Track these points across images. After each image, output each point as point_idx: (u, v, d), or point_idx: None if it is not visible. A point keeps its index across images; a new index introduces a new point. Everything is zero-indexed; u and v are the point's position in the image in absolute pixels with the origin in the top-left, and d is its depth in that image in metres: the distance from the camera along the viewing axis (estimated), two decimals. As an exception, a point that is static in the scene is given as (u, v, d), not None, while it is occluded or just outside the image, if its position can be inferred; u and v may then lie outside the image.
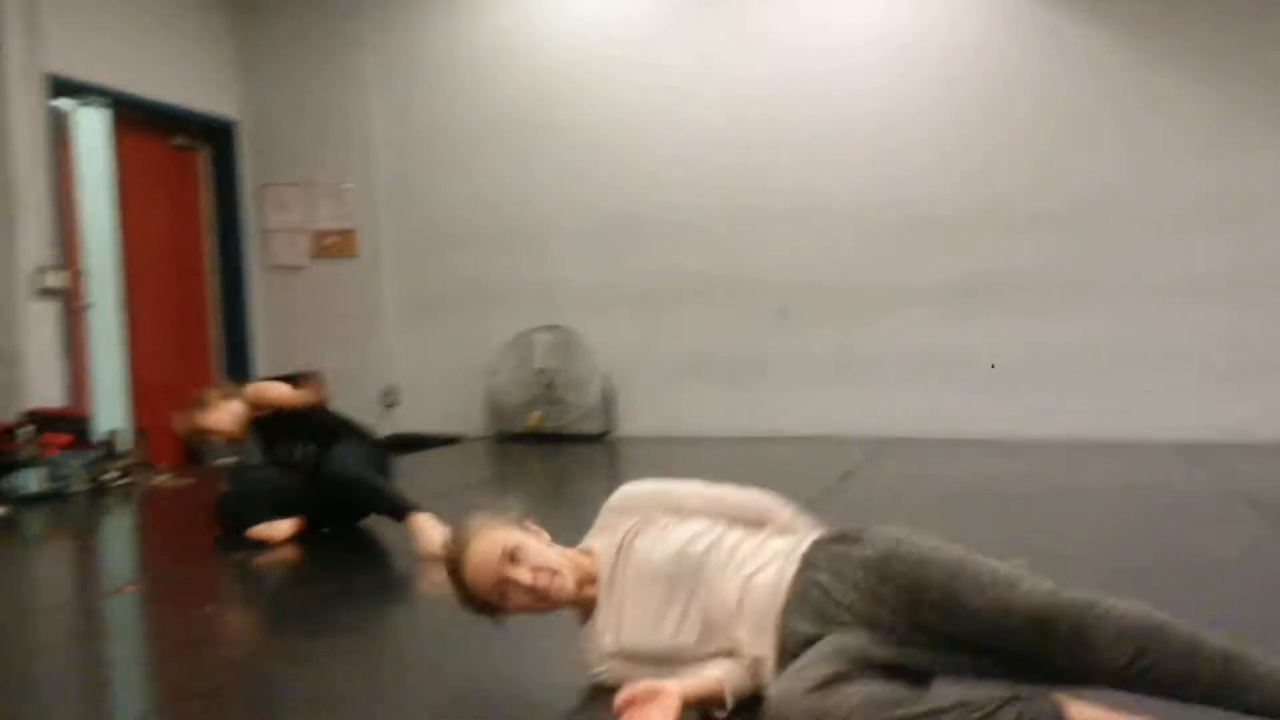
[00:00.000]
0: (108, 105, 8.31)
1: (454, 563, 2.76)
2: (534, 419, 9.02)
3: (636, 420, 9.00)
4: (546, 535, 2.87)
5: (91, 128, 8.31)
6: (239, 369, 9.39)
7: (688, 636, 2.64)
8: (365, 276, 9.49)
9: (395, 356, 9.45)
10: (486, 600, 2.73)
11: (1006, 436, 8.27)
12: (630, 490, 2.97)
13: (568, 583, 2.75)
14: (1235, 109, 8.00)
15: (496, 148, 9.23)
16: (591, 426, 8.97)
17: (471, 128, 9.29)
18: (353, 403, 9.22)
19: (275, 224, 9.61)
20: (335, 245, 9.53)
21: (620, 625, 2.74)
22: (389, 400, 9.38)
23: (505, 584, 2.71)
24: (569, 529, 3.03)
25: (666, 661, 2.65)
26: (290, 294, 9.58)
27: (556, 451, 8.41)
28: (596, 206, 9.07)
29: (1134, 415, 8.12)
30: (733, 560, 2.68)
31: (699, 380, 8.91)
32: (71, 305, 7.83)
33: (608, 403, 9.02)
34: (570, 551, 2.85)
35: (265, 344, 9.59)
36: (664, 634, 2.67)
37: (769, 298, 8.81)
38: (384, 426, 9.21)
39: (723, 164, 8.83)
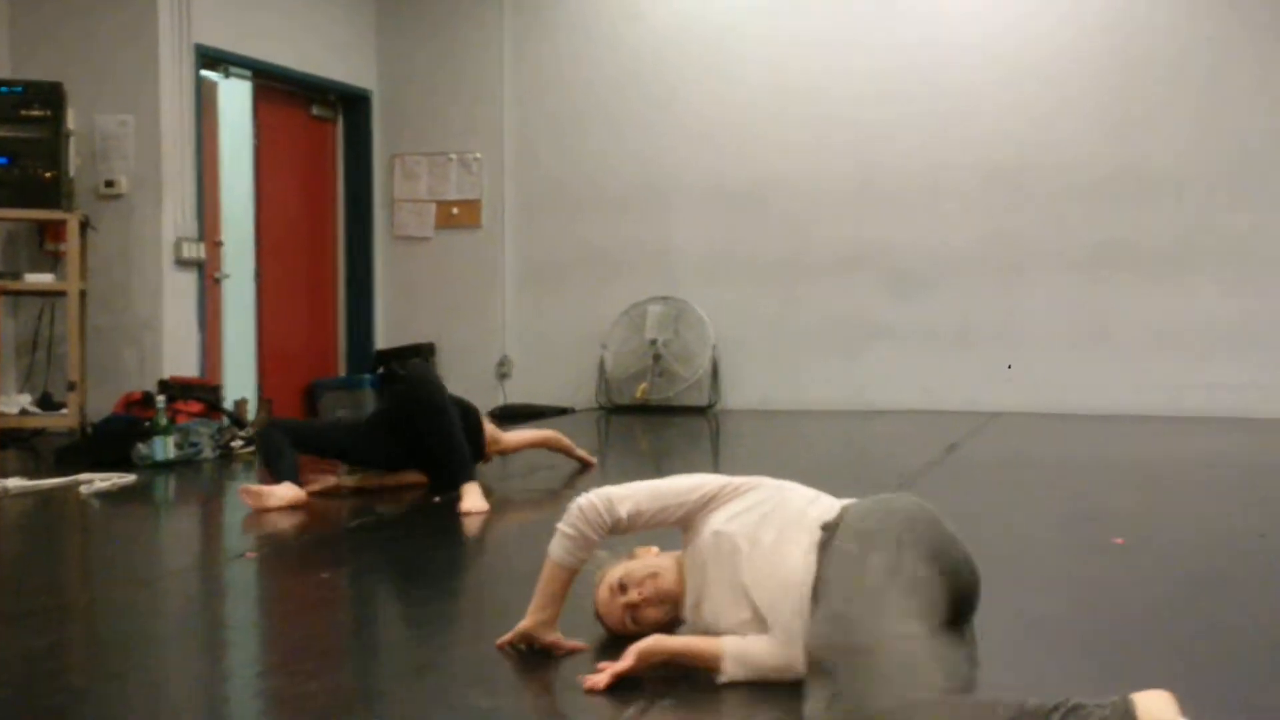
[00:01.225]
0: (250, 76, 8.56)
1: (597, 616, 3.01)
2: (642, 390, 9.14)
3: (742, 393, 9.07)
4: (655, 548, 3.05)
5: (235, 98, 8.55)
6: (361, 340, 9.67)
7: (743, 612, 2.74)
8: (486, 247, 9.68)
9: (510, 327, 9.65)
10: (631, 631, 2.89)
11: (1129, 411, 8.15)
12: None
13: (669, 576, 2.91)
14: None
15: (622, 116, 9.35)
16: (698, 399, 9.06)
17: (600, 95, 9.41)
18: (468, 373, 9.52)
19: (403, 194, 9.84)
20: (460, 215, 9.73)
21: (700, 603, 2.86)
22: (502, 371, 9.58)
23: (627, 611, 2.92)
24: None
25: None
26: (414, 264, 9.82)
27: (663, 423, 8.51)
28: (714, 177, 9.14)
29: (1273, 391, 7.97)
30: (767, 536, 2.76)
31: (809, 353, 8.95)
32: (208, 276, 8.13)
33: (715, 375, 9.11)
34: (672, 553, 3.00)
35: (386, 315, 9.85)
36: (729, 612, 2.77)
37: (886, 269, 8.81)
38: (497, 397, 9.45)
39: (845, 136, 8.86)
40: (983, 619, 2.80)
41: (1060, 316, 8.48)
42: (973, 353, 8.63)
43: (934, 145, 8.68)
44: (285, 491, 5.22)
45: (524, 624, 2.94)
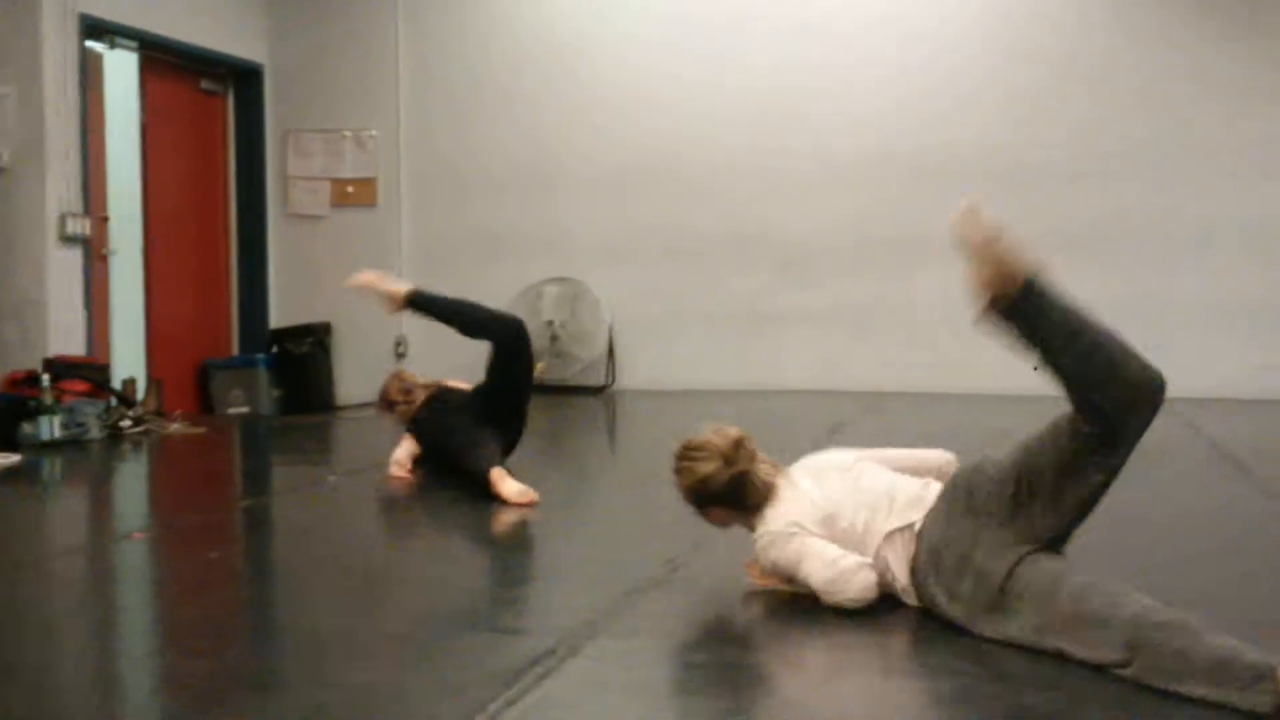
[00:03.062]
0: (137, 47, 8.36)
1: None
2: (539, 370, 9.13)
3: (638, 373, 9.12)
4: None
5: (121, 71, 8.33)
6: (254, 319, 9.53)
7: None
8: (382, 226, 9.58)
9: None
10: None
11: (1015, 392, 8.35)
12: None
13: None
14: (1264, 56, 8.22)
15: (518, 97, 9.29)
16: (594, 379, 9.10)
17: (496, 75, 9.35)
18: (365, 354, 9.43)
19: (296, 171, 9.70)
20: (355, 194, 9.62)
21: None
22: (400, 352, 9.52)
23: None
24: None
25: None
26: (308, 243, 9.68)
27: (560, 403, 8.52)
28: (610, 158, 9.15)
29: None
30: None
31: (703, 334, 9.02)
32: (94, 253, 7.95)
33: (611, 355, 9.14)
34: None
35: (281, 294, 9.70)
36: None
37: (777, 251, 8.91)
38: (396, 377, 9.36)
39: (735, 117, 8.91)
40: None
41: (951, 300, 8.62)
42: (864, 334, 8.78)
43: (826, 129, 8.79)
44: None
45: None
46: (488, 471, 4.82)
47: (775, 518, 3.23)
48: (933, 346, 8.65)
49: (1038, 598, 2.77)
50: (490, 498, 4.66)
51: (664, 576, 3.57)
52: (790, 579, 3.22)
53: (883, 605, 3.12)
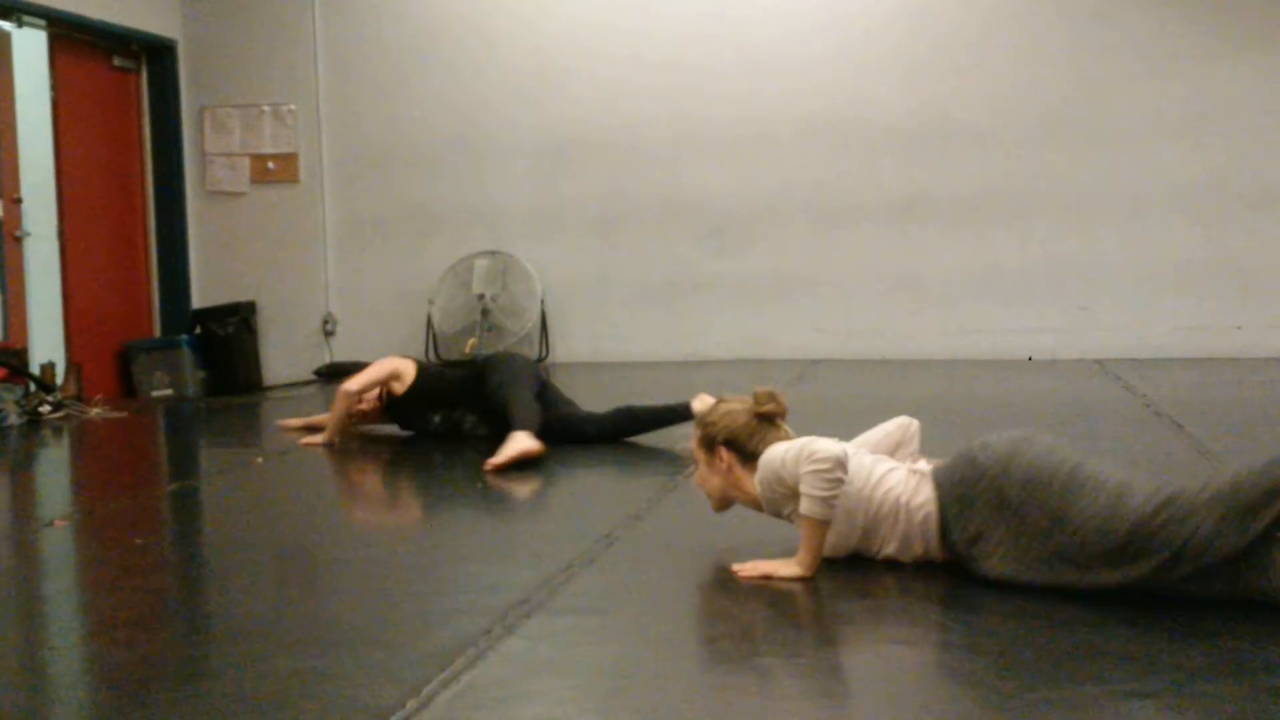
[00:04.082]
0: (45, 25, 8.17)
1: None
2: (470, 345, 9.07)
3: (571, 346, 9.08)
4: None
5: (29, 49, 8.15)
6: (176, 299, 9.36)
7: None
8: (305, 202, 9.44)
9: (334, 284, 9.45)
10: None
11: (941, 356, 8.43)
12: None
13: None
14: (1190, 22, 8.26)
15: (440, 69, 9.18)
16: (527, 352, 9.04)
17: (416, 47, 9.22)
18: (291, 332, 9.31)
19: (214, 148, 9.52)
20: (276, 170, 9.47)
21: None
22: (327, 329, 9.39)
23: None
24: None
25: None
26: (229, 221, 9.52)
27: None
28: (537, 130, 9.07)
29: (1070, 334, 8.33)
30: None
31: (635, 305, 9.00)
32: (7, 236, 7.77)
33: (544, 328, 9.09)
34: None
35: (202, 273, 9.52)
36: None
37: (706, 221, 8.90)
38: (323, 355, 9.27)
39: (661, 87, 8.88)
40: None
41: (874, 265, 8.70)
42: (791, 301, 8.79)
43: (749, 96, 8.77)
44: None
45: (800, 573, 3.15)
46: (521, 428, 4.90)
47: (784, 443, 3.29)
48: (863, 312, 8.70)
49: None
50: (425, 474, 4.60)
51: (599, 552, 3.54)
52: (777, 486, 3.21)
53: (830, 582, 3.12)
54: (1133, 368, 7.38)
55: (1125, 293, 8.33)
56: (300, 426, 5.96)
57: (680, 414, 5.24)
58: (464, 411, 5.57)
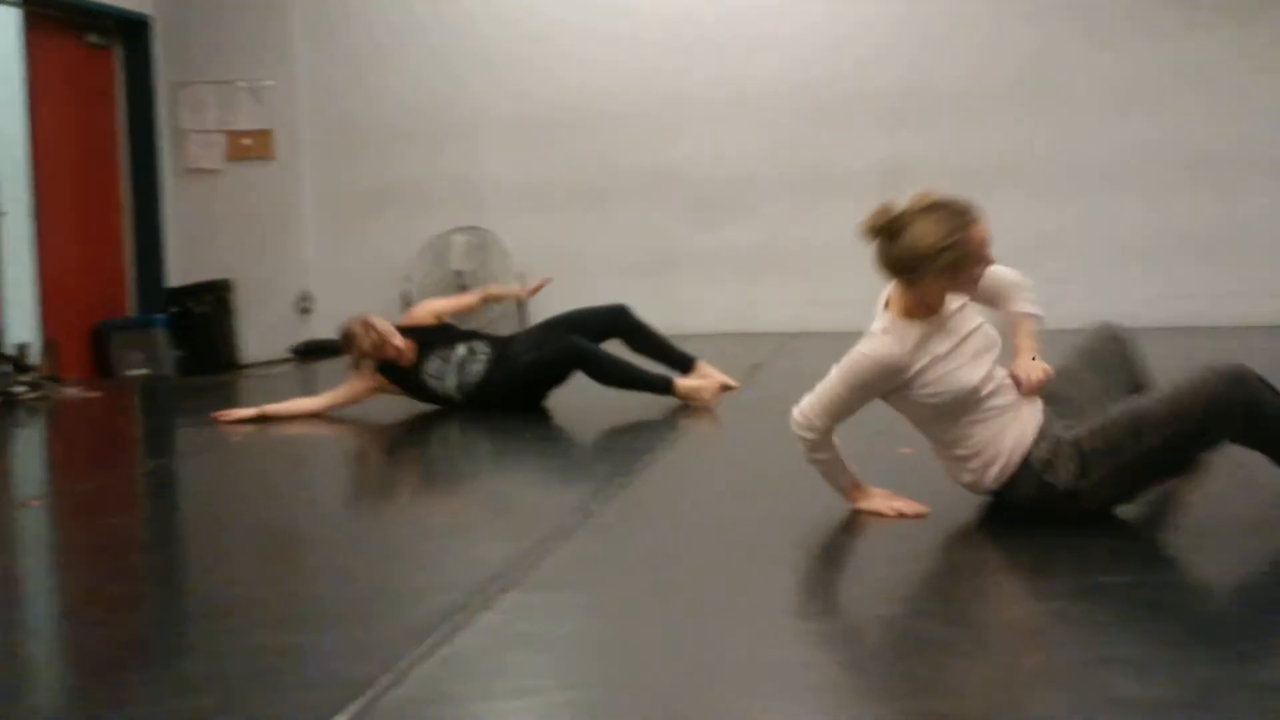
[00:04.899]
0: (19, 2, 8.08)
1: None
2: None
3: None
4: None
5: (2, 28, 8.07)
6: (152, 278, 9.31)
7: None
8: (281, 179, 9.39)
9: (311, 262, 9.40)
10: None
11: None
12: None
13: None
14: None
15: (417, 45, 9.14)
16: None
17: (393, 22, 9.18)
18: (268, 310, 9.26)
19: (190, 125, 9.45)
20: (252, 147, 9.40)
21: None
22: (304, 306, 9.35)
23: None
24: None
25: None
26: (205, 199, 9.45)
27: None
28: (514, 104, 9.04)
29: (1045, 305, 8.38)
30: None
31: (617, 279, 8.97)
32: (-21, 214, 7.70)
33: (521, 304, 9.07)
34: None
35: (178, 252, 9.46)
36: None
37: (689, 194, 8.89)
38: (300, 333, 9.22)
39: (643, 61, 8.87)
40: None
41: (857, 235, 8.70)
42: (775, 274, 8.79)
43: (732, 68, 8.76)
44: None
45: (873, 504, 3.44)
46: (672, 380, 5.50)
47: (880, 343, 3.60)
48: (850, 284, 8.68)
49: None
50: (402, 453, 4.59)
51: (576, 525, 3.54)
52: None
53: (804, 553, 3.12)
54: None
55: (1096, 262, 8.38)
56: (250, 418, 5.69)
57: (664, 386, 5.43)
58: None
